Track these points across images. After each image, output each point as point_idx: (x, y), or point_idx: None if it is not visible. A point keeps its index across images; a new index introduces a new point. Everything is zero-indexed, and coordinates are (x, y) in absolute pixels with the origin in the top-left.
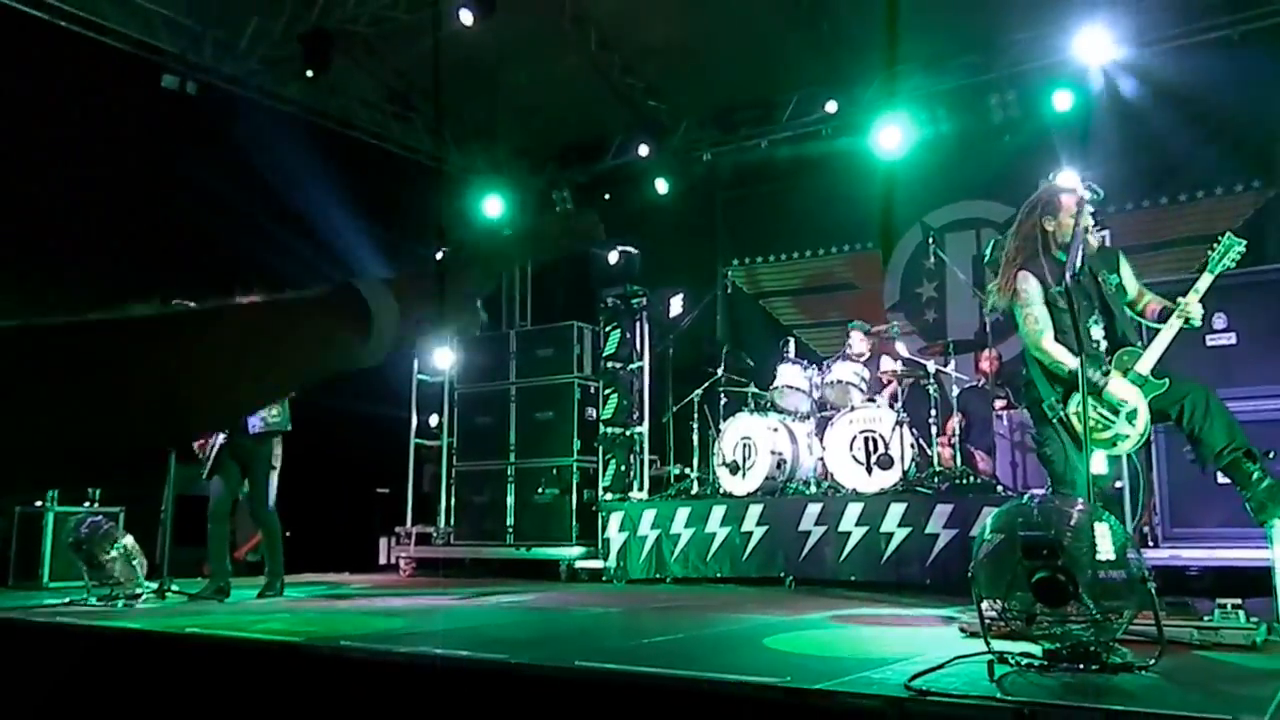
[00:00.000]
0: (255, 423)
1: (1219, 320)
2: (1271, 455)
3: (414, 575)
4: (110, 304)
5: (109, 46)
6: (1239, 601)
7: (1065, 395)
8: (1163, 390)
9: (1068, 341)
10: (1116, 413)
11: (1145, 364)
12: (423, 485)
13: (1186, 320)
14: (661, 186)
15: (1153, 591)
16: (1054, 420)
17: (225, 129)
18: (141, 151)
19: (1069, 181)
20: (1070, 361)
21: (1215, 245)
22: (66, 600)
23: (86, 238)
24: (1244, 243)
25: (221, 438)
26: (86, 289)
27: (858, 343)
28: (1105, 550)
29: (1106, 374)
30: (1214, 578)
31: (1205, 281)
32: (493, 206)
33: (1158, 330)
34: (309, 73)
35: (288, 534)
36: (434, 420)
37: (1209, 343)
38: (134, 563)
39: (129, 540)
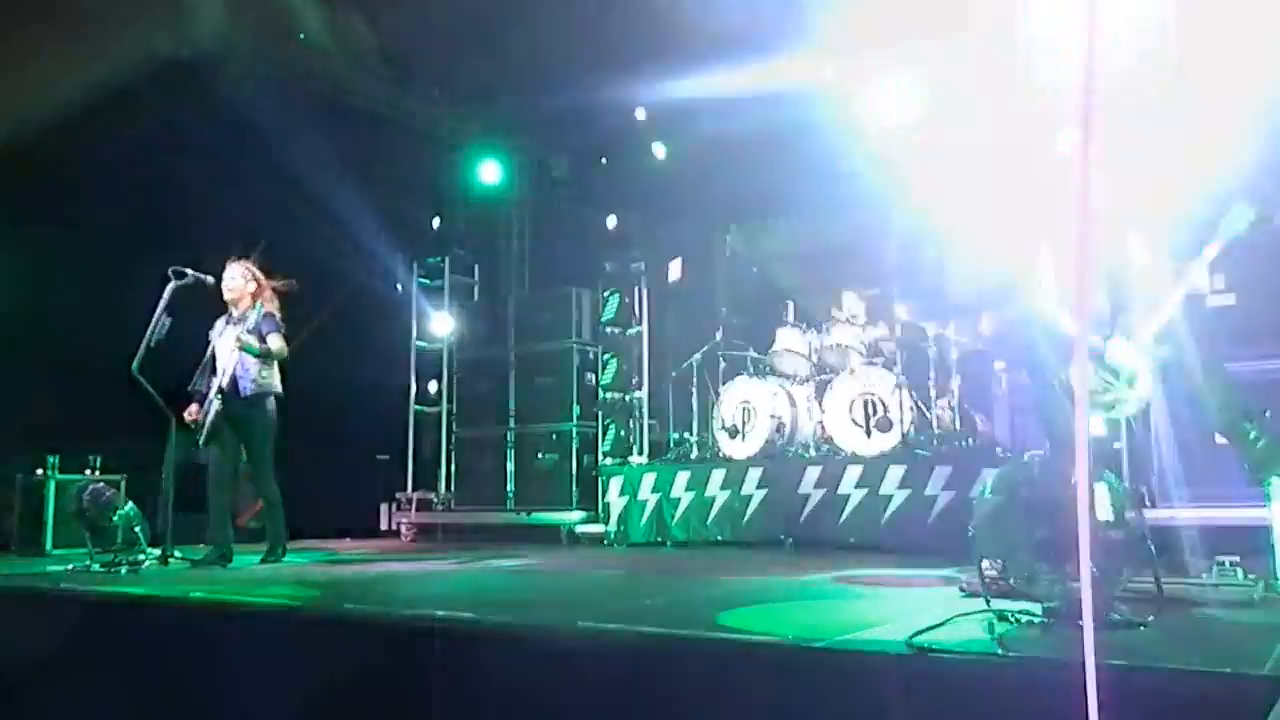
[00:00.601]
0: (247, 385)
1: (1219, 281)
2: (1269, 414)
3: (415, 541)
4: (105, 267)
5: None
6: (1237, 559)
7: (1066, 358)
8: (1164, 352)
9: (1069, 305)
10: (1117, 375)
11: (1148, 328)
12: (423, 451)
13: (1190, 286)
14: (660, 151)
15: (1152, 549)
16: (1055, 383)
17: (219, 94)
18: (133, 116)
19: (1067, 143)
20: (1070, 325)
21: (1227, 212)
22: (69, 567)
23: (77, 200)
24: (1254, 211)
25: (216, 403)
26: (79, 251)
27: (852, 305)
28: (1104, 510)
29: (1108, 338)
30: (1211, 537)
31: (1213, 249)
32: (489, 172)
33: (1158, 296)
34: (300, 35)
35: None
36: (433, 386)
37: (1210, 304)
38: (137, 529)
39: (131, 507)
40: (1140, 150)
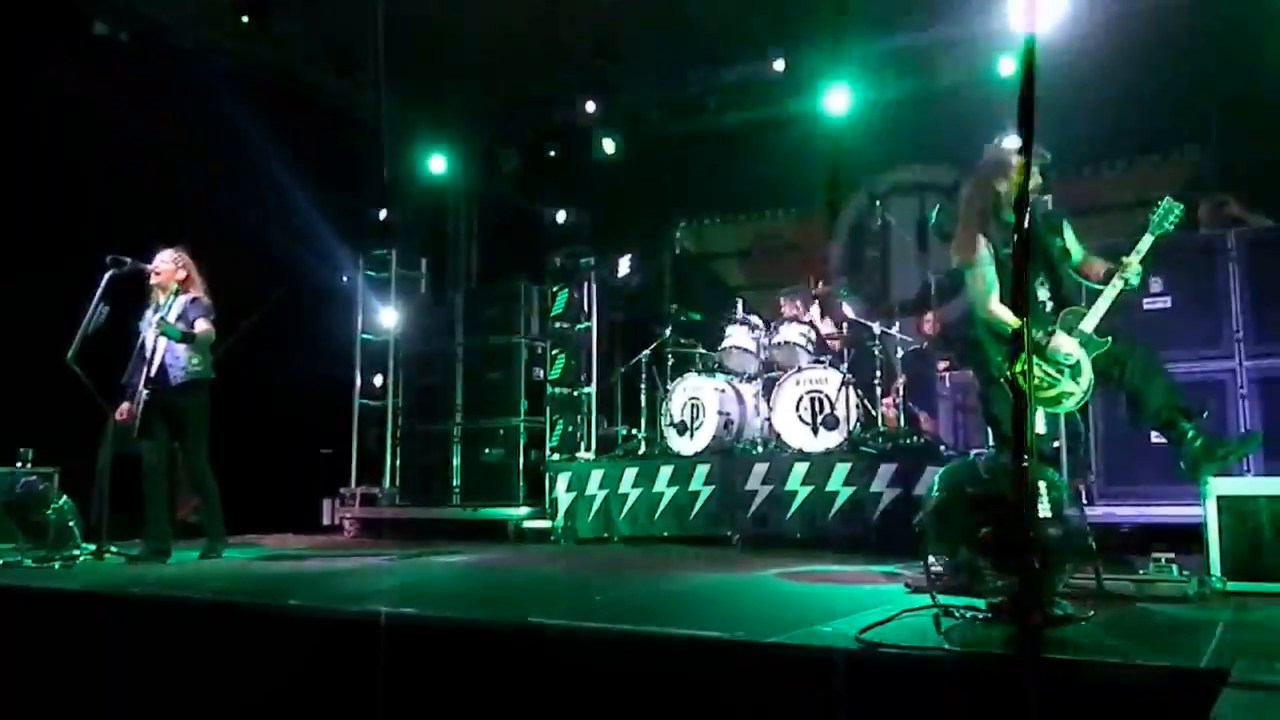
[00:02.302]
0: (177, 373)
1: (1155, 284)
2: (1206, 414)
3: (359, 536)
4: (43, 259)
5: None
6: (1172, 555)
7: (1012, 355)
8: (1106, 348)
9: (1013, 302)
10: (1061, 370)
11: (1089, 323)
12: (367, 445)
13: (1126, 281)
14: (609, 146)
15: (1093, 546)
16: (1001, 380)
17: (160, 80)
18: (71, 102)
19: (1014, 144)
20: (1014, 321)
21: (1156, 207)
22: (0, 562)
23: (13, 191)
24: (1182, 206)
25: (145, 394)
26: (13, 245)
27: (788, 309)
28: (1045, 507)
29: (1051, 333)
30: (1148, 533)
31: (1146, 243)
32: (437, 164)
33: (1100, 291)
34: (244, 19)
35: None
36: (379, 380)
37: (1146, 306)
38: (71, 524)
39: (65, 501)
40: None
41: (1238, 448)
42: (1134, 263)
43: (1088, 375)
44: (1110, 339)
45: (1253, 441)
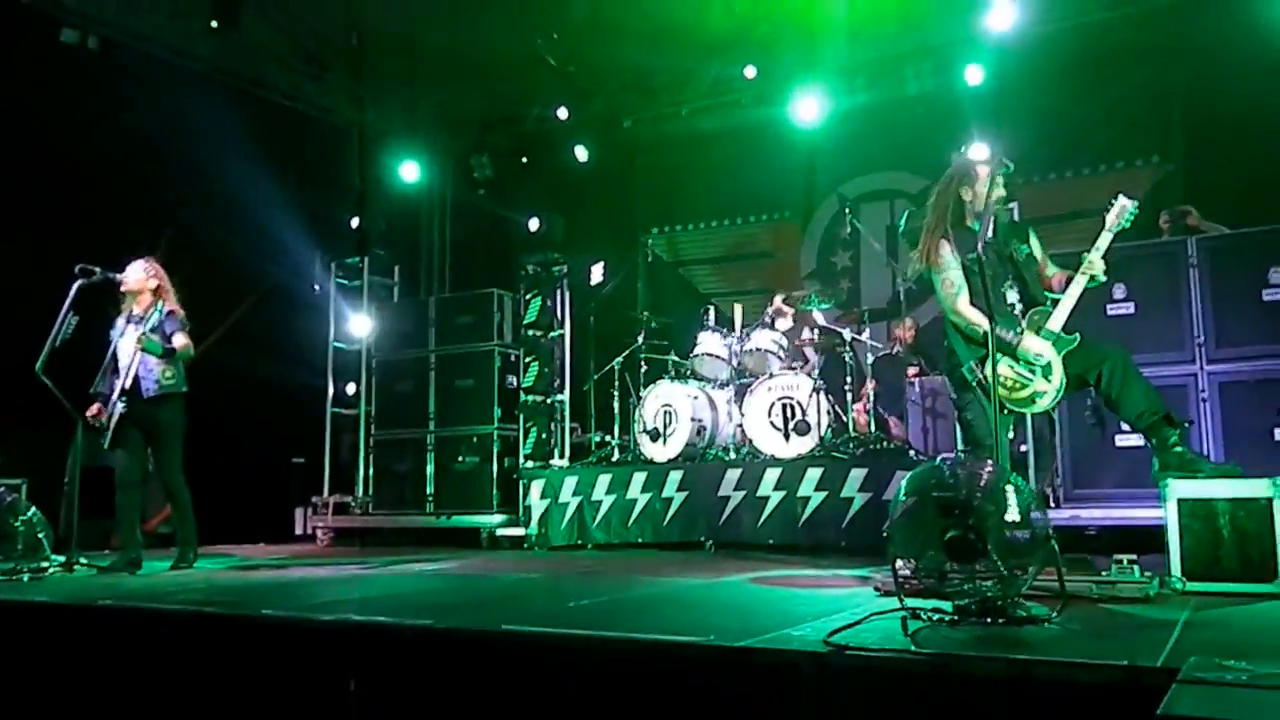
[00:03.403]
0: (150, 386)
1: (1119, 290)
2: (1189, 425)
3: (332, 545)
4: (11, 268)
5: None
6: (1134, 557)
7: (983, 359)
8: (1074, 345)
9: (982, 305)
10: (1033, 369)
11: (1055, 321)
12: (340, 454)
13: (1091, 277)
14: (582, 154)
15: (1055, 549)
16: (974, 383)
17: (130, 87)
18: (39, 110)
19: (980, 154)
20: (985, 324)
21: (1110, 203)
22: None
23: None
24: (1137, 203)
25: (120, 406)
26: None
27: (771, 309)
28: (1012, 510)
29: (1020, 333)
30: (1111, 535)
31: (1105, 240)
32: (409, 171)
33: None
34: (213, 23)
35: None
36: (351, 388)
37: (1110, 312)
38: (40, 535)
39: (34, 512)
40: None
41: (1211, 472)
42: (1098, 259)
43: (1059, 373)
44: (1077, 336)
45: (1230, 472)
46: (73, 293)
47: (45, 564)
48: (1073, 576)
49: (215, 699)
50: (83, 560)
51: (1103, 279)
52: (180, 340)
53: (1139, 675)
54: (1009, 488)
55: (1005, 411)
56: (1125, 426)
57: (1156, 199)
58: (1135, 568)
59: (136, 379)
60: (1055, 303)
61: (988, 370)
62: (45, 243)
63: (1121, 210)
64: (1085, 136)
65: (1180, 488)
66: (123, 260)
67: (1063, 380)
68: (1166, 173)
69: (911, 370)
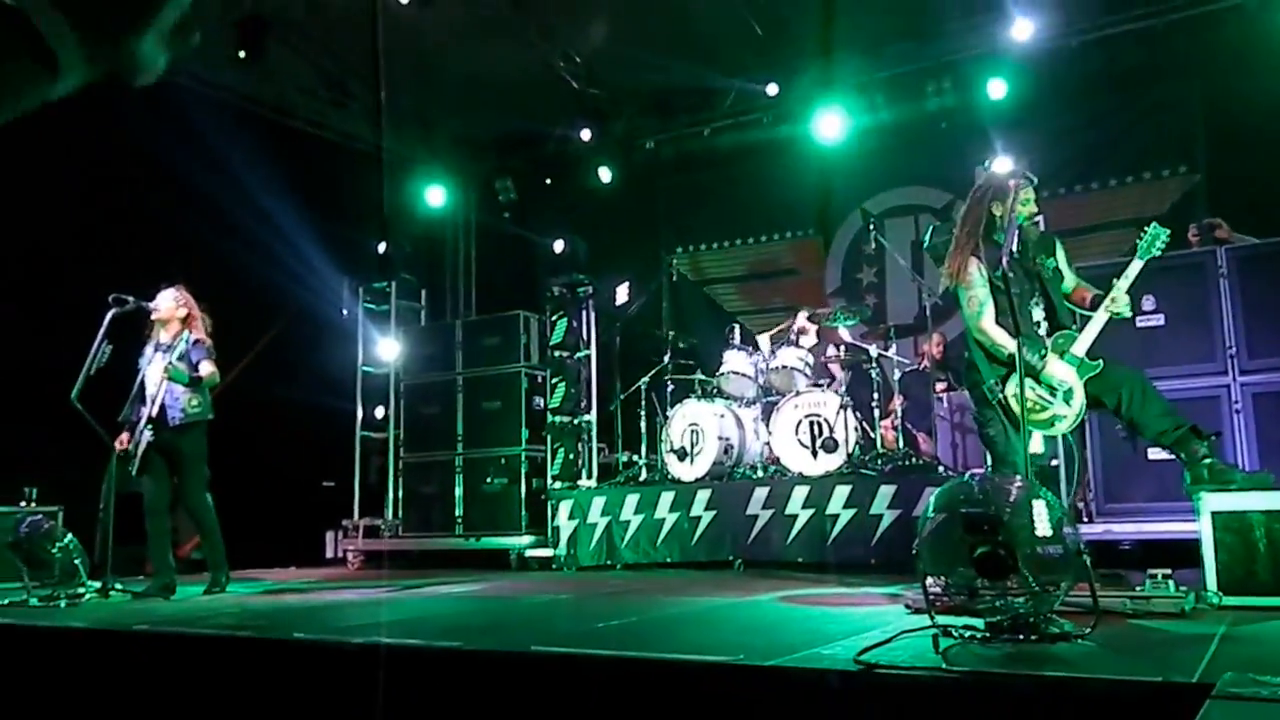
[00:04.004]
0: (175, 414)
1: (1148, 302)
2: (1217, 436)
3: (362, 568)
4: (45, 298)
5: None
6: (1169, 572)
7: (1004, 378)
8: (1097, 371)
9: (1007, 324)
10: (1054, 393)
11: (1080, 346)
12: (369, 477)
13: (1115, 314)
14: (604, 175)
15: (1088, 564)
16: (994, 402)
17: (156, 117)
18: (69, 140)
19: (1003, 168)
20: (1009, 344)
21: (1143, 233)
22: (6, 601)
23: (13, 232)
24: (1168, 232)
25: (148, 434)
26: (14, 284)
27: (797, 327)
28: (1043, 526)
29: (1043, 356)
30: (1145, 550)
31: (1135, 268)
32: (435, 196)
33: (1089, 315)
34: (240, 53)
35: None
36: (380, 412)
37: (1139, 324)
38: (76, 561)
39: (70, 539)
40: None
41: (1243, 482)
42: (1123, 292)
43: (1080, 399)
44: (1101, 362)
45: (1261, 481)
46: (106, 321)
47: (81, 590)
48: (1106, 592)
49: None
50: (118, 586)
51: (1127, 314)
52: (206, 369)
53: (1174, 691)
54: (1039, 503)
55: (1002, 430)
56: None
57: (1183, 210)
58: (1170, 582)
59: (163, 407)
60: (1082, 321)
61: (1009, 390)
62: (77, 272)
63: (1152, 239)
64: (1109, 148)
65: (1214, 501)
66: (155, 289)
67: (1083, 405)
68: (1193, 184)
69: (939, 385)
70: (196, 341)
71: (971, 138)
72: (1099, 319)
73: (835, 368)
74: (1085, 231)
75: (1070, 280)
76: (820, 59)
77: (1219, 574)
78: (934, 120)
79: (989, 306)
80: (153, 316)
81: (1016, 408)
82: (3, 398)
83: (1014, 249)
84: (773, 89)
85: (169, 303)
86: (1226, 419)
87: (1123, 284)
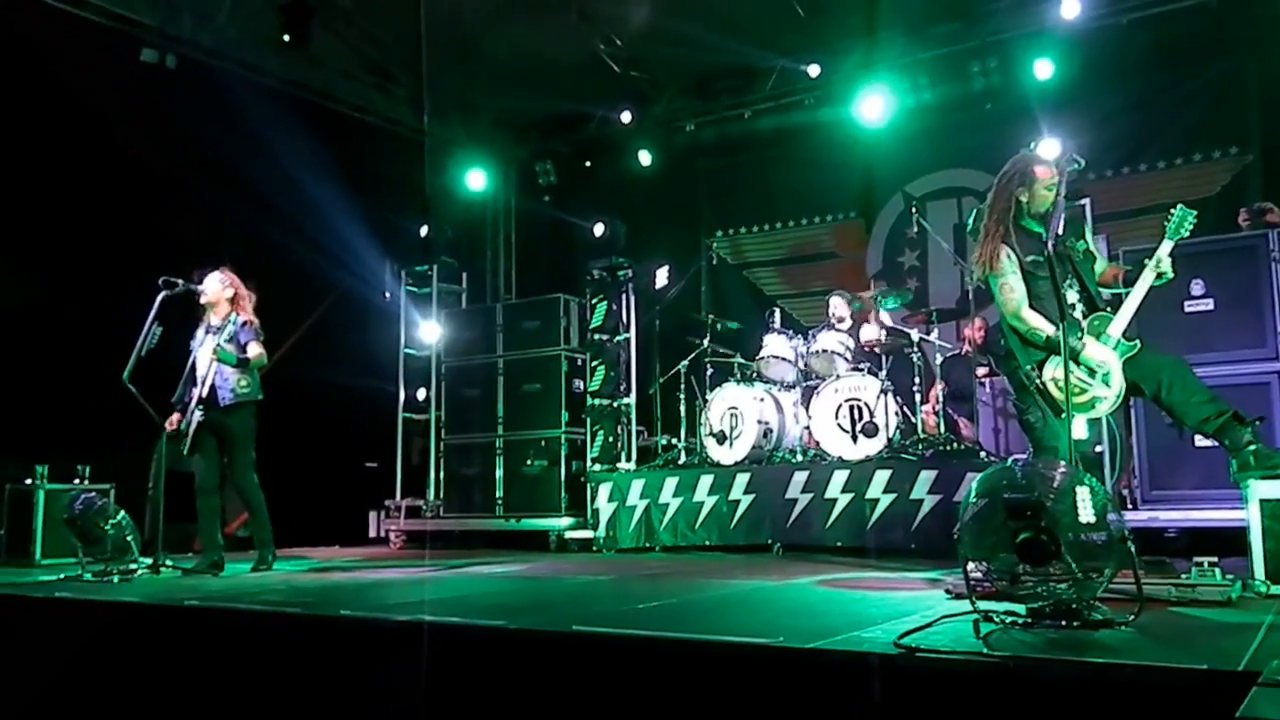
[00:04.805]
0: (225, 395)
1: (1196, 286)
2: (1261, 421)
3: (404, 548)
4: (93, 283)
5: (86, 20)
6: (1215, 560)
7: (1041, 363)
8: (1135, 351)
9: (1045, 308)
10: (1093, 375)
11: (1117, 327)
12: (411, 458)
13: (1160, 275)
14: (645, 158)
15: (1132, 551)
16: (1032, 388)
17: (206, 103)
18: (121, 128)
19: (1049, 150)
20: (1047, 328)
21: (1170, 215)
22: (61, 576)
23: (67, 216)
24: (1195, 213)
25: (199, 414)
26: (68, 267)
27: (839, 308)
28: (1086, 512)
29: (1081, 339)
30: (1191, 538)
31: (1165, 248)
32: (475, 179)
33: (1122, 295)
34: (285, 37)
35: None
36: (421, 394)
37: (1187, 309)
38: (128, 538)
39: (123, 516)
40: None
41: None
42: (1165, 257)
43: (1119, 380)
44: (1138, 342)
45: None
46: (156, 304)
47: (133, 566)
48: (1150, 579)
49: (295, 695)
50: (168, 562)
51: (1171, 275)
52: (254, 350)
53: (1218, 679)
54: (1082, 489)
55: (1061, 415)
56: None
57: (1234, 191)
58: (1216, 570)
59: (213, 388)
60: (1116, 301)
61: (1046, 375)
62: (127, 256)
63: (1180, 220)
64: (1159, 129)
65: (1263, 488)
66: (201, 271)
67: (1122, 386)
68: (1245, 164)
69: (981, 370)
70: (245, 323)
71: (1017, 119)
72: (1137, 294)
73: (876, 351)
74: (1132, 215)
75: (1100, 262)
76: (863, 39)
77: (1267, 562)
78: (979, 101)
79: (1022, 292)
80: (201, 300)
81: (1055, 392)
82: (57, 379)
83: (1059, 232)
84: (815, 70)
85: (215, 285)
86: (1276, 405)
87: (1162, 250)
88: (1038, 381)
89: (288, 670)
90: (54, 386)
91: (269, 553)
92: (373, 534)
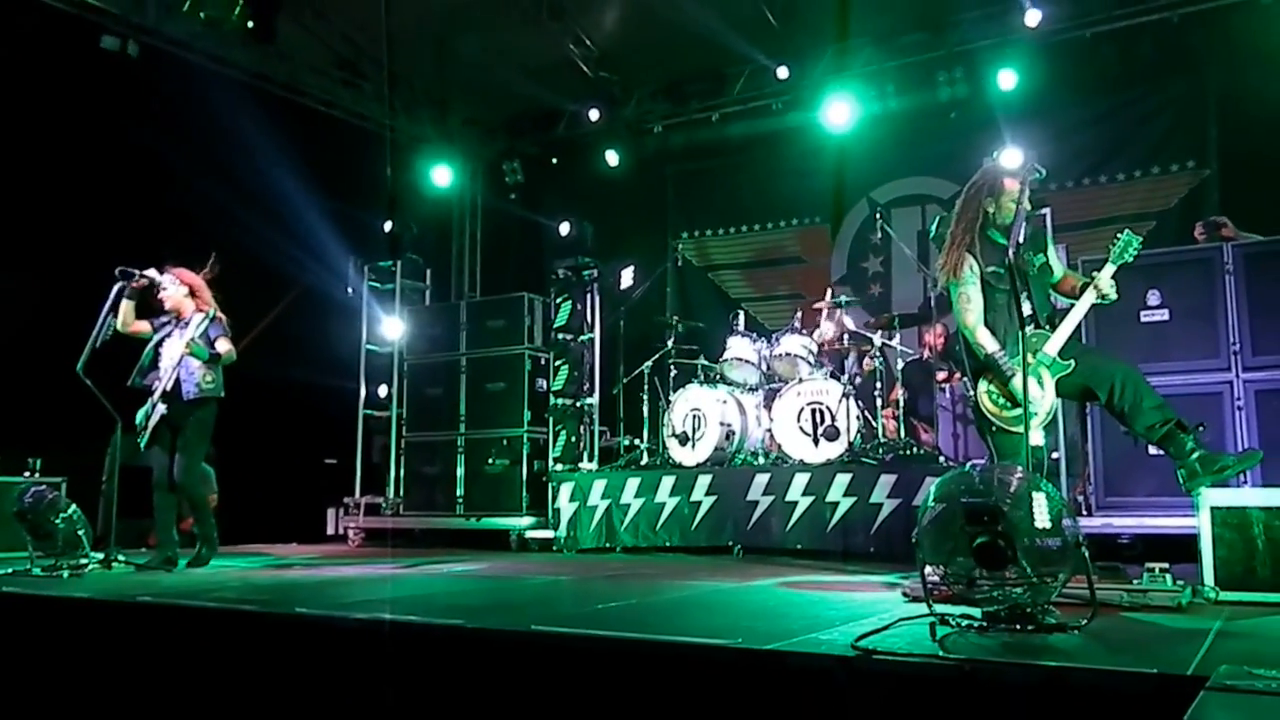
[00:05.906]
0: (190, 389)
1: (1153, 297)
2: (1202, 428)
3: (363, 546)
4: (50, 274)
5: (43, 4)
6: (1166, 566)
7: (975, 378)
8: (1068, 371)
9: (999, 319)
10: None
11: (1053, 346)
12: (372, 456)
13: (1102, 297)
14: (612, 159)
15: (1086, 556)
16: (970, 400)
17: (169, 94)
18: (80, 117)
19: (1012, 160)
20: (990, 345)
21: (1116, 239)
22: (9, 571)
23: (21, 206)
24: (1141, 239)
25: (161, 408)
26: (20, 257)
27: (801, 314)
28: (1042, 518)
29: (1009, 371)
30: (1144, 544)
31: (1108, 271)
32: (441, 175)
33: (1070, 308)
34: (249, 24)
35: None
36: (383, 390)
37: (1143, 319)
38: (80, 533)
39: (74, 510)
40: None
41: (1236, 464)
42: (1106, 279)
43: (1050, 398)
44: (1071, 363)
45: (1251, 459)
46: (113, 294)
47: (84, 561)
48: (1104, 585)
49: (249, 695)
50: (121, 558)
51: (1114, 297)
52: (224, 346)
53: (1168, 683)
54: (1039, 495)
55: (995, 429)
56: None
57: (1192, 204)
58: (1167, 576)
59: (178, 381)
60: (1063, 314)
61: (980, 388)
62: (85, 244)
63: (1125, 246)
64: (1120, 142)
65: (1214, 496)
66: (161, 262)
67: (1054, 405)
68: (1202, 178)
69: (941, 376)
70: (215, 319)
71: (981, 129)
72: (1076, 314)
73: (838, 355)
74: (1092, 225)
75: (1059, 270)
76: (832, 47)
77: (1217, 569)
78: (944, 110)
79: (979, 305)
80: (165, 306)
81: (988, 405)
82: (8, 368)
83: (1020, 242)
84: (783, 72)
85: (171, 289)
86: (1229, 415)
87: (1104, 274)
88: (971, 395)
89: (243, 669)
90: (4, 377)
91: (205, 548)
92: (331, 531)
